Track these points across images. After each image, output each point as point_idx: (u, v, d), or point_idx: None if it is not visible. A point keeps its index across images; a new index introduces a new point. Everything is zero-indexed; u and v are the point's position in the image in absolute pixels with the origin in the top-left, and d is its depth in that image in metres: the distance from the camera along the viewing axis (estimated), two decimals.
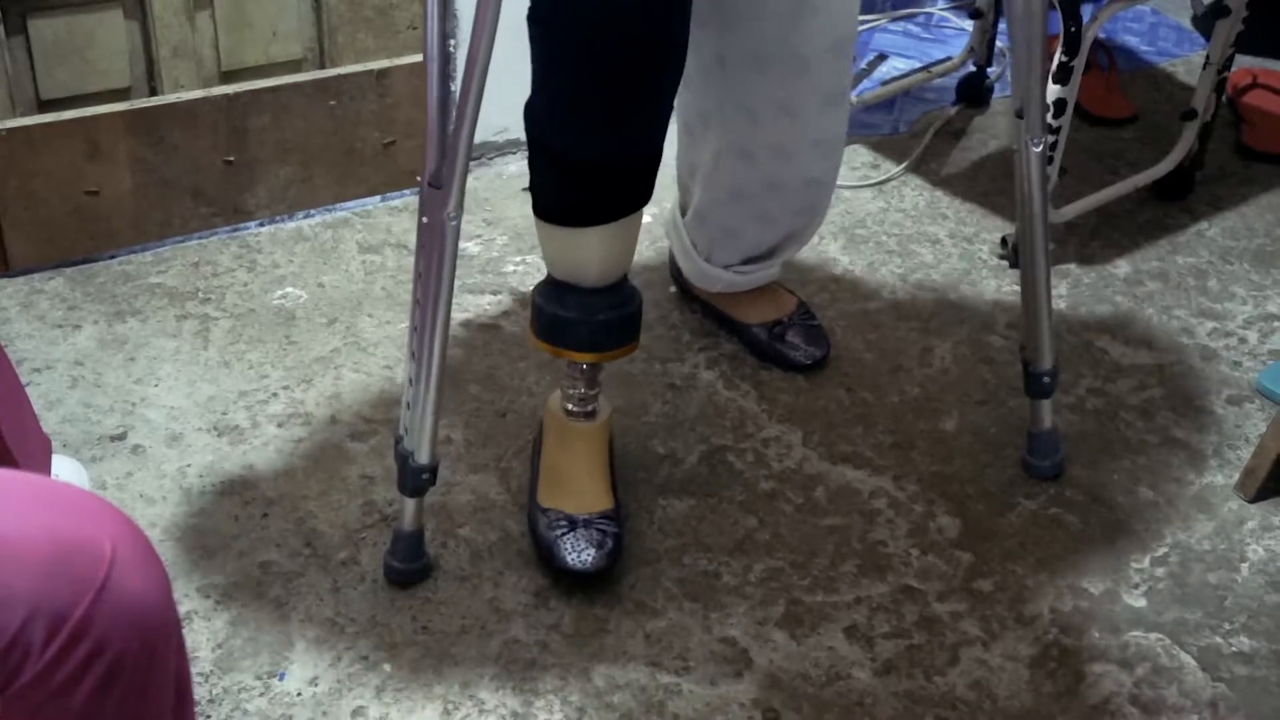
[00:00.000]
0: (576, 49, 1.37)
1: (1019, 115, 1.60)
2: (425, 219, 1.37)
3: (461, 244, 2.16)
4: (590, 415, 1.63)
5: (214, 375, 1.85)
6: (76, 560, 0.80)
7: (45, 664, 0.77)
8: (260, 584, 1.55)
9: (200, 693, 1.41)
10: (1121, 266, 2.21)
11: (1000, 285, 2.13)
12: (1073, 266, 2.19)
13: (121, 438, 1.73)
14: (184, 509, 1.64)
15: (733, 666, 1.51)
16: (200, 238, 2.12)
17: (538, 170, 1.48)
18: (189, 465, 1.70)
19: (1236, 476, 1.77)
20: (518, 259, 2.12)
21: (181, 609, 1.51)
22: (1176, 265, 2.21)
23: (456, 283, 2.05)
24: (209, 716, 1.41)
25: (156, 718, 0.86)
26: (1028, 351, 1.73)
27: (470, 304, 2.02)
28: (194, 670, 1.42)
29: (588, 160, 1.43)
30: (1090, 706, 1.49)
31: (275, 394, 1.82)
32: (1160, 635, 1.57)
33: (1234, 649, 1.55)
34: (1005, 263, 2.18)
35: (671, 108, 1.47)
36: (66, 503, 0.85)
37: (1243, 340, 2.05)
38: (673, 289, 2.04)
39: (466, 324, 1.98)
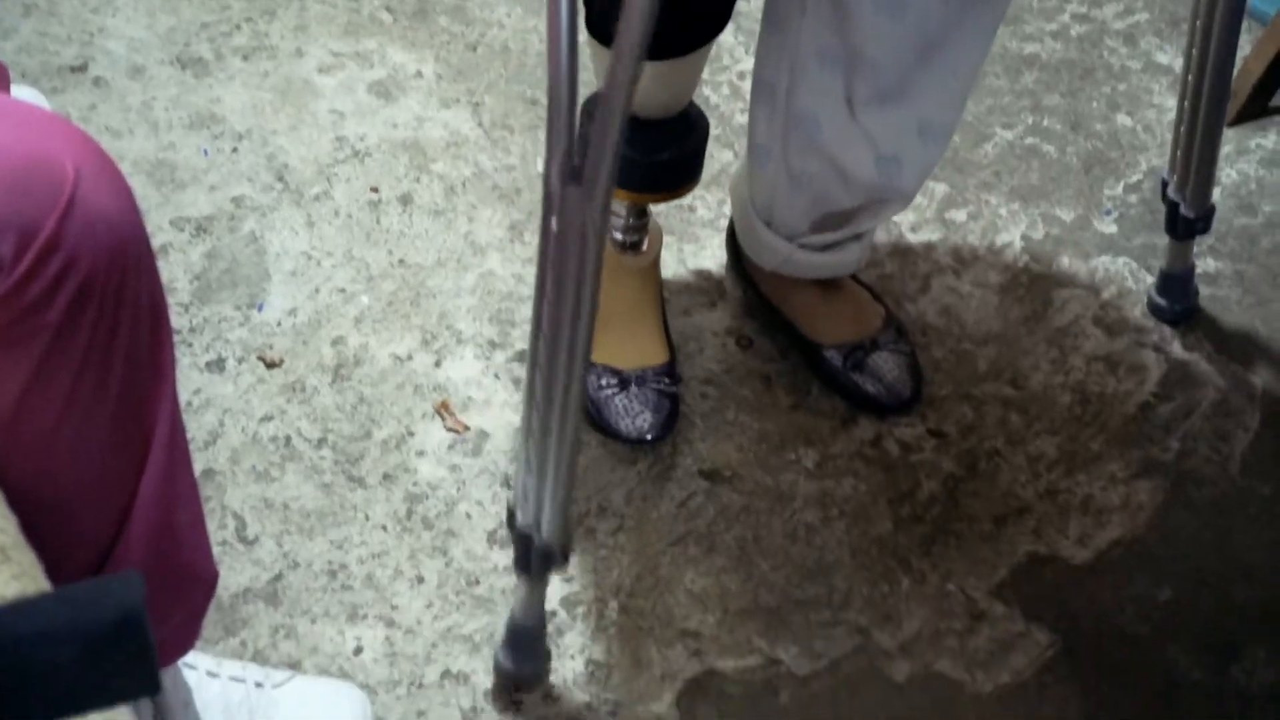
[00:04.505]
0: None
1: None
2: (555, 225, 0.97)
3: None
4: (637, 247, 1.40)
5: (173, 5, 1.78)
6: (40, 176, 0.78)
7: (18, 278, 0.77)
8: (234, 218, 1.55)
9: (180, 322, 1.43)
10: None
11: None
12: None
13: (82, 69, 1.69)
14: (152, 142, 1.62)
15: (707, 297, 1.53)
16: None
17: None
18: (154, 98, 1.66)
19: None
20: None
21: (156, 241, 1.51)
22: None
23: None
24: (190, 345, 1.43)
25: (132, 339, 0.86)
26: (1172, 189, 1.46)
27: None
28: (172, 301, 1.43)
29: None
30: (1056, 328, 1.52)
31: (238, 26, 1.77)
32: (1128, 259, 1.59)
33: (1199, 270, 1.57)
34: None
35: None
36: (25, 120, 0.83)
37: None
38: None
39: None
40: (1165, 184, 1.47)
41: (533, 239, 1.55)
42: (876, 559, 1.34)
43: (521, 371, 1.43)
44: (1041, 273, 1.57)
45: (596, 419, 1.40)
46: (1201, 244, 1.60)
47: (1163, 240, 1.59)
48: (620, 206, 1.36)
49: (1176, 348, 1.51)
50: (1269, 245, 1.62)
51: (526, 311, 1.48)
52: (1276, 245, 1.62)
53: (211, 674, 1.14)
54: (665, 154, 1.29)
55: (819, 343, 1.46)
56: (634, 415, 1.39)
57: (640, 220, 1.39)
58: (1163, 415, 1.46)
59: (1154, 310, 1.55)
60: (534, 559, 1.12)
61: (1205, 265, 1.58)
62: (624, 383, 1.40)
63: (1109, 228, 1.62)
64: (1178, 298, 1.54)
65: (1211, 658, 1.30)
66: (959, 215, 1.62)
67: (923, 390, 1.46)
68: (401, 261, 1.53)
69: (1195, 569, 1.36)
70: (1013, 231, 1.61)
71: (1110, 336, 1.52)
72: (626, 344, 1.41)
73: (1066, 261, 1.58)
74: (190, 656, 1.11)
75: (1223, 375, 1.49)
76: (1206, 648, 1.31)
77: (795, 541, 1.35)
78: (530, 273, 1.52)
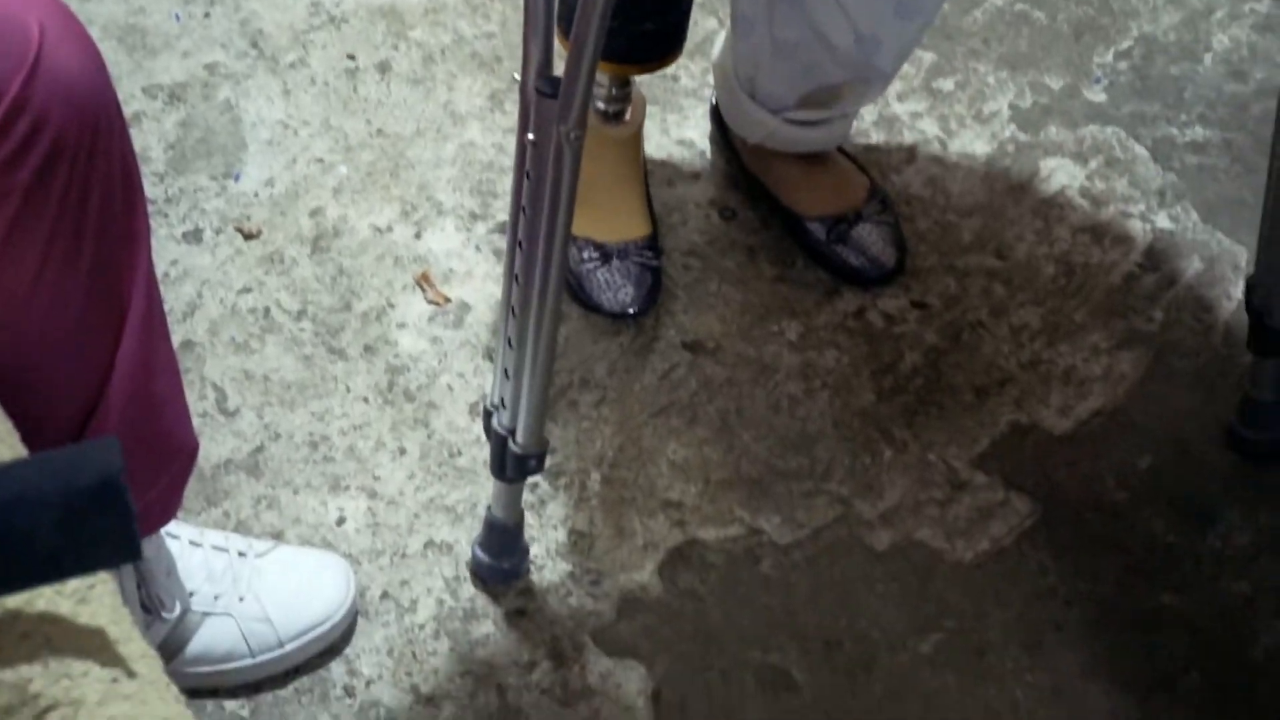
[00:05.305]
0: None
1: None
2: (532, 136, 0.97)
3: None
4: (619, 117, 1.37)
5: None
6: (5, 36, 0.77)
7: None
8: (208, 85, 1.52)
9: (156, 192, 1.41)
10: None
11: None
12: None
13: None
14: (121, 6, 1.57)
15: (690, 168, 1.51)
16: None
17: None
18: None
19: None
20: None
21: (128, 109, 1.48)
22: None
23: None
24: (166, 215, 1.41)
25: (104, 203, 0.85)
26: (1258, 296, 1.26)
27: None
28: (147, 170, 1.41)
29: None
30: (1041, 200, 1.51)
31: None
32: (1116, 128, 1.57)
33: (1188, 139, 1.56)
34: None
35: None
36: None
37: None
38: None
39: None
40: (1250, 287, 1.24)
41: (514, 109, 1.53)
42: (859, 430, 1.35)
43: (503, 243, 1.42)
44: (1028, 142, 1.55)
45: (578, 292, 1.39)
46: (1190, 111, 1.58)
47: (1153, 107, 1.58)
48: (602, 77, 1.32)
49: (1163, 218, 1.50)
50: (1259, 113, 1.60)
51: (508, 183, 1.46)
52: (1267, 113, 1.60)
53: (194, 543, 1.14)
54: (648, 23, 1.26)
55: (802, 215, 1.44)
56: (616, 289, 1.38)
57: (623, 90, 1.36)
58: (1147, 285, 1.46)
59: (1235, 444, 1.34)
60: (509, 464, 1.12)
61: (1194, 133, 1.56)
62: (606, 256, 1.38)
63: (1098, 96, 1.60)
64: (1266, 426, 1.31)
65: (1189, 523, 1.31)
66: (946, 84, 1.60)
67: (906, 262, 1.45)
68: (380, 131, 1.50)
69: (1175, 438, 1.37)
70: (1000, 100, 1.59)
71: (1096, 207, 1.51)
72: (608, 216, 1.38)
73: (1054, 131, 1.57)
74: (173, 526, 1.12)
75: (1208, 245, 1.49)
76: (1184, 514, 1.32)
77: (777, 413, 1.35)
78: (512, 143, 1.49)
